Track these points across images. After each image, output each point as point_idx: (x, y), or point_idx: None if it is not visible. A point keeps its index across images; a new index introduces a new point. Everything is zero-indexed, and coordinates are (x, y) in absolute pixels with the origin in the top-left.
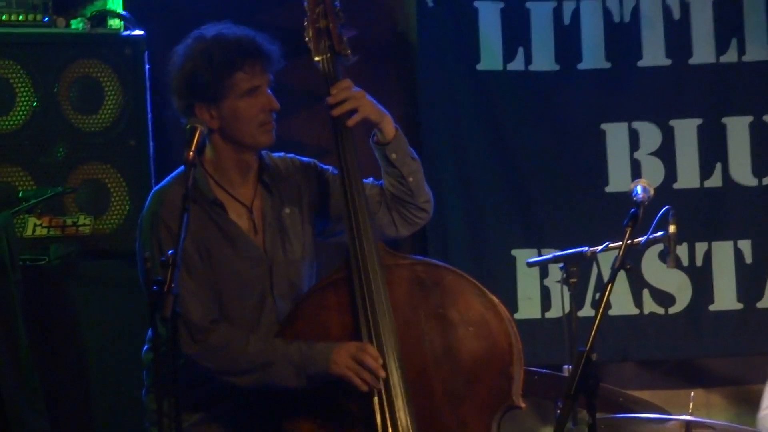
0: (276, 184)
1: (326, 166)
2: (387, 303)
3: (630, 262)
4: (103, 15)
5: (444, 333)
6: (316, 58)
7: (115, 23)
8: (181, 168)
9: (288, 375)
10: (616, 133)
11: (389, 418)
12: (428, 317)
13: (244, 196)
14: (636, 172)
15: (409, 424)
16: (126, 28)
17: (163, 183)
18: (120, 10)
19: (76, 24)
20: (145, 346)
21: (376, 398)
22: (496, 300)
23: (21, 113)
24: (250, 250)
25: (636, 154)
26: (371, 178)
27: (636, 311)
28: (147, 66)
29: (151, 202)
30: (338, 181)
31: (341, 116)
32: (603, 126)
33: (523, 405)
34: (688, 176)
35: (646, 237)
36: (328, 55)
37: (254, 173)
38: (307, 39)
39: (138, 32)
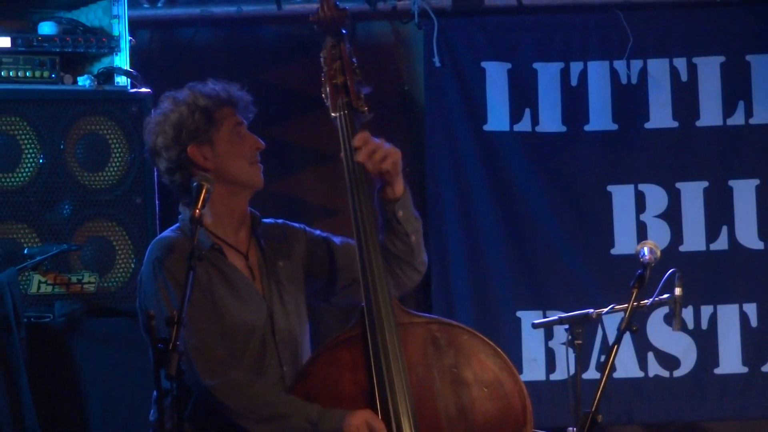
0: (268, 239)
1: (316, 230)
2: (402, 362)
3: (636, 324)
4: (110, 72)
5: (458, 393)
6: (333, 114)
7: (121, 80)
8: (178, 221)
9: (300, 428)
10: (622, 195)
11: None
12: (443, 377)
13: (239, 244)
14: (642, 235)
15: None
16: (133, 86)
17: (162, 234)
18: (127, 66)
19: (83, 81)
20: (152, 410)
21: None
22: (510, 362)
23: (27, 170)
24: (251, 294)
25: (642, 216)
26: (341, 237)
27: (641, 374)
28: None
29: (152, 250)
30: (353, 238)
31: (367, 163)
32: (609, 188)
33: None
34: (694, 239)
35: (651, 299)
36: (346, 112)
37: (247, 226)
38: (324, 95)
39: (145, 90)
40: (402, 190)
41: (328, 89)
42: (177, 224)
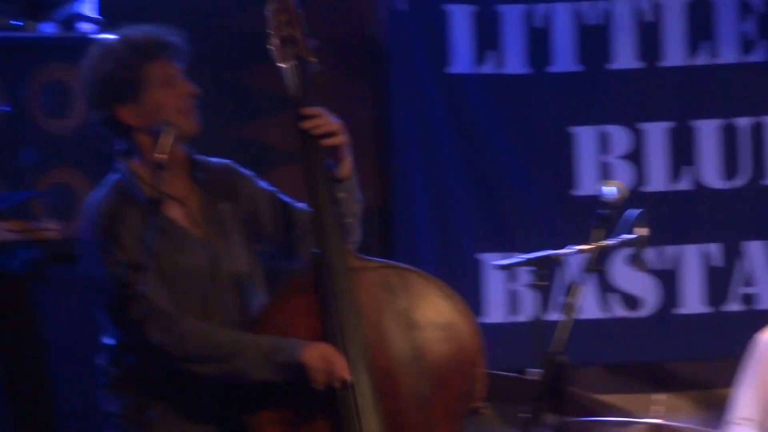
0: (210, 181)
1: (264, 183)
2: (354, 306)
3: (599, 265)
4: (74, 18)
5: (411, 336)
6: (282, 65)
7: (85, 27)
8: (111, 177)
9: (255, 364)
10: (585, 136)
11: (357, 423)
12: (395, 320)
13: (177, 192)
14: (605, 175)
15: (377, 429)
16: (97, 32)
17: (97, 195)
18: (91, 13)
19: (47, 27)
20: (103, 355)
21: (343, 400)
22: (462, 303)
23: None
24: (191, 243)
25: (605, 158)
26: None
27: (603, 315)
28: None
29: (90, 216)
30: (304, 186)
31: (314, 133)
32: (572, 129)
33: (486, 410)
34: (657, 179)
35: (616, 240)
36: (294, 62)
37: (186, 170)
38: (272, 46)
39: (109, 36)
40: (346, 174)
41: (276, 41)
42: (111, 176)
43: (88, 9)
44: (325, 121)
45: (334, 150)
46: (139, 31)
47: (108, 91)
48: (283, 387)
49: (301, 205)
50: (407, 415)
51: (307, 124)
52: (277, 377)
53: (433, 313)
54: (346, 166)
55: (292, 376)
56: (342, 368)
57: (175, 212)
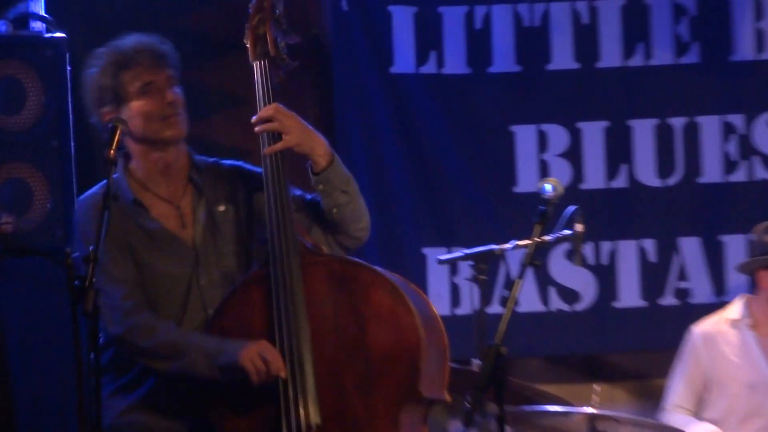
0: (207, 183)
1: (253, 167)
2: (301, 297)
3: (538, 260)
4: (25, 17)
5: (357, 327)
6: (253, 63)
7: (36, 26)
8: (112, 177)
9: (200, 363)
10: (524, 135)
11: (295, 412)
12: (343, 312)
13: (170, 194)
14: (544, 173)
15: (317, 413)
16: (48, 31)
17: (88, 192)
18: (42, 12)
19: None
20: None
21: (283, 393)
22: (408, 298)
23: None
24: (174, 245)
25: (544, 155)
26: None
27: (543, 308)
28: (68, 68)
29: (76, 211)
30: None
31: (263, 135)
32: (512, 128)
33: (449, 398)
34: (594, 177)
35: (554, 235)
36: (264, 61)
37: (182, 172)
38: (246, 42)
39: (60, 34)
40: (323, 165)
41: (249, 38)
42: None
43: (39, 8)
44: (276, 115)
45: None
46: (127, 40)
47: (93, 97)
48: (236, 382)
49: (309, 196)
50: (349, 402)
51: (258, 129)
52: (222, 377)
53: (377, 306)
54: (317, 158)
55: (236, 376)
56: (277, 367)
57: (163, 213)
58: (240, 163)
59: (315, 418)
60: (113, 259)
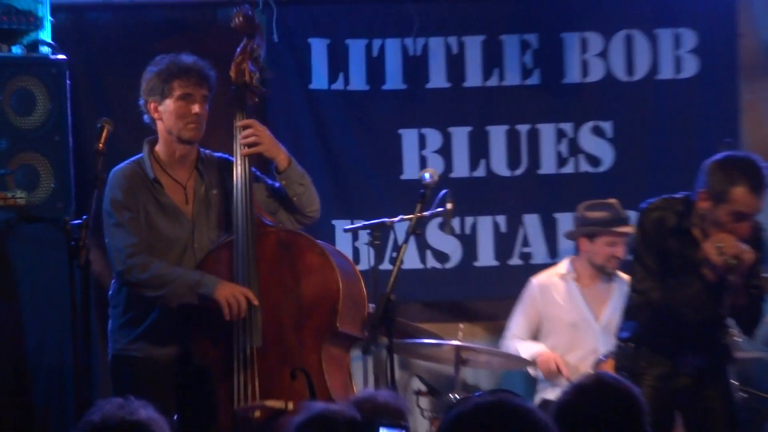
0: (208, 172)
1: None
2: (254, 256)
3: (419, 229)
4: (36, 43)
5: (293, 279)
6: (233, 85)
7: (44, 50)
8: (137, 156)
9: (184, 292)
10: (409, 136)
11: (248, 334)
12: (285, 268)
13: (180, 177)
14: (423, 165)
15: (259, 338)
16: (53, 54)
17: (120, 165)
18: (48, 39)
19: (16, 49)
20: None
21: (236, 324)
22: (332, 259)
23: None
24: (179, 216)
25: (423, 152)
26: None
27: (421, 266)
28: (68, 82)
29: (110, 185)
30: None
31: (244, 143)
32: (400, 131)
33: (365, 335)
34: (461, 168)
35: (431, 211)
36: (241, 84)
37: (192, 162)
38: (231, 73)
39: (61, 56)
40: (284, 166)
41: (234, 69)
42: (140, 154)
43: (46, 36)
44: (250, 133)
45: (263, 155)
46: (186, 58)
47: (147, 87)
48: (205, 315)
49: (278, 185)
50: (285, 333)
51: (242, 141)
52: (200, 303)
53: (309, 264)
54: (280, 161)
55: (209, 305)
56: (243, 304)
57: (173, 191)
58: (227, 156)
59: (257, 341)
60: (132, 218)
